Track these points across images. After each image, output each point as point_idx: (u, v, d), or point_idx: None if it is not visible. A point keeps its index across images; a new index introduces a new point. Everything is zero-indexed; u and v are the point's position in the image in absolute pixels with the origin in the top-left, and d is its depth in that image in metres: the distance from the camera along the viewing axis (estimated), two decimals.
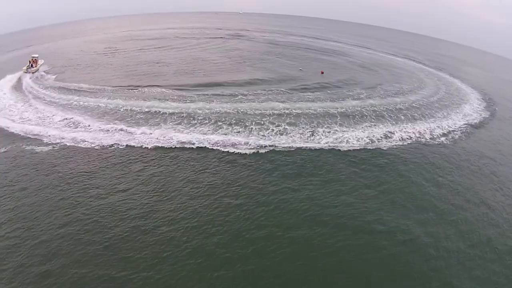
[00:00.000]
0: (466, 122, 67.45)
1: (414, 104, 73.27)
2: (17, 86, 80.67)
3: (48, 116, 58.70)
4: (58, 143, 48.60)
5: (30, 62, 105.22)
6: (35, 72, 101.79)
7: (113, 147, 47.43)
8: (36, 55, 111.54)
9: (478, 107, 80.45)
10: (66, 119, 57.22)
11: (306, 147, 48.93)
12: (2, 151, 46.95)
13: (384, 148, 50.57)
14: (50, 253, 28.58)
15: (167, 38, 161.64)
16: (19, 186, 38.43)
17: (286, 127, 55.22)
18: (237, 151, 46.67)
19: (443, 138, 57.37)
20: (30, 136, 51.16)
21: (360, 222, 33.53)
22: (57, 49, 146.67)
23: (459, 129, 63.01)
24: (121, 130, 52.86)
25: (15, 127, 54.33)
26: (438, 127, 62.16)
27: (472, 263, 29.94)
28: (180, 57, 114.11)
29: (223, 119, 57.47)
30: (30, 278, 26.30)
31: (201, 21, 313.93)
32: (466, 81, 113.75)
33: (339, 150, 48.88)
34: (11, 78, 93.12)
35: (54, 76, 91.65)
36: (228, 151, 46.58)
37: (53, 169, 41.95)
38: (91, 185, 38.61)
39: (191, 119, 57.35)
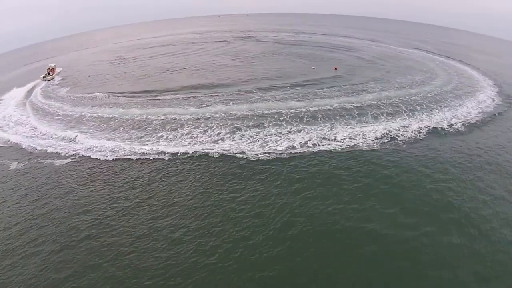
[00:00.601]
0: (482, 110, 65.68)
1: (428, 95, 71.93)
2: (30, 100, 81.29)
3: (62, 129, 59.39)
4: (74, 155, 49.30)
5: (47, 71, 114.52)
6: (52, 79, 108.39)
7: (130, 157, 47.36)
8: (53, 64, 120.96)
9: (492, 93, 78.33)
10: (81, 132, 57.59)
11: (326, 149, 47.62)
12: (20, 166, 47.50)
13: (402, 144, 49.18)
14: (71, 260, 29.33)
15: (174, 45, 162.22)
16: (38, 197, 39.55)
17: (305, 126, 54.44)
18: (255, 156, 45.51)
19: (460, 128, 55.98)
20: (45, 150, 52.01)
21: (381, 224, 32.35)
22: (69, 61, 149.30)
23: (475, 118, 61.11)
24: (138, 139, 52.73)
25: (28, 142, 55.41)
26: (454, 116, 60.77)
27: (497, 269, 28.10)
28: (191, 62, 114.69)
29: (241, 122, 56.95)
30: (50, 282, 27.13)
31: (207, 25, 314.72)
32: (478, 69, 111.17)
33: (358, 148, 47.80)
34: (27, 87, 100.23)
35: (67, 89, 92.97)
36: (246, 157, 45.51)
37: (72, 181, 42.63)
38: (110, 193, 39.02)
39: (209, 123, 57.10)
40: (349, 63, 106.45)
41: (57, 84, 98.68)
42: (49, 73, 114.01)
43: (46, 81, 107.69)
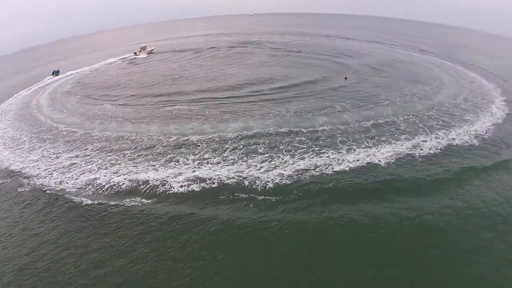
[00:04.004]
0: (494, 123, 63.08)
1: (442, 108, 68.75)
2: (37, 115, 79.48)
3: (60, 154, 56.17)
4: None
5: (140, 49, 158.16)
6: (140, 55, 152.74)
7: (137, 189, 43.36)
8: (144, 44, 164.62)
9: (502, 104, 75.10)
10: (84, 155, 54.48)
11: (341, 170, 44.96)
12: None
13: (420, 164, 46.58)
14: None
15: (182, 51, 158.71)
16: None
17: (321, 149, 50.65)
18: (270, 185, 41.87)
19: (479, 145, 52.95)
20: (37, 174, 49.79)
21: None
22: (75, 65, 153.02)
23: (489, 133, 58.34)
24: (146, 166, 48.53)
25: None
26: (466, 132, 57.51)
27: None
28: (199, 71, 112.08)
29: (254, 143, 53.60)
30: None
31: (210, 27, 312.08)
32: (484, 73, 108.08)
33: (375, 170, 44.95)
34: (126, 56, 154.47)
35: (76, 97, 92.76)
36: (261, 186, 41.90)
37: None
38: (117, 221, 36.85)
39: (223, 144, 53.91)
40: (358, 71, 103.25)
41: (67, 90, 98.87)
42: (140, 50, 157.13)
43: (138, 56, 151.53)
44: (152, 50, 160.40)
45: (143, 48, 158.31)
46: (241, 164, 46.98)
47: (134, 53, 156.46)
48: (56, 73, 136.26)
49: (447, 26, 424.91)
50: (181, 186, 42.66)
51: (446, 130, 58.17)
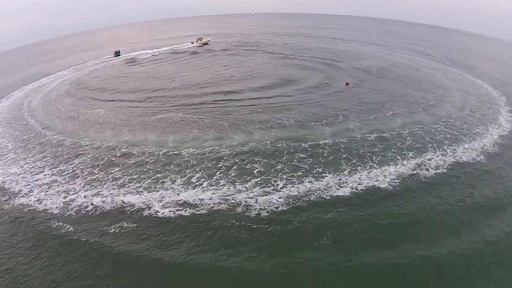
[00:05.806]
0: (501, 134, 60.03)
1: (449, 120, 64.56)
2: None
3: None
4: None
5: (197, 39, 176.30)
6: (197, 44, 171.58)
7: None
8: (201, 36, 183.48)
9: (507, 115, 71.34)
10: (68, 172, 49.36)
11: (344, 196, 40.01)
12: None
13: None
14: None
15: (182, 53, 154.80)
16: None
17: (321, 169, 45.43)
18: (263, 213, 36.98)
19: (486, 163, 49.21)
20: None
21: None
22: (70, 64, 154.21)
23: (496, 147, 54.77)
24: (131, 189, 43.08)
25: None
26: (472, 149, 53.26)
27: None
28: (196, 73, 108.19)
29: (250, 161, 48.14)
30: None
31: (210, 27, 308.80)
32: (489, 80, 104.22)
33: (379, 195, 40.12)
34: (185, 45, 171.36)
35: (70, 100, 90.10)
36: (255, 213, 37.01)
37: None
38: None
39: (217, 162, 48.29)
40: (359, 76, 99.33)
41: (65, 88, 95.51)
42: (197, 40, 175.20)
43: (195, 45, 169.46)
44: (208, 41, 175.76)
45: (200, 39, 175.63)
46: (233, 187, 41.99)
47: (191, 42, 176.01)
48: (117, 53, 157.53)
49: (450, 29, 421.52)
50: (170, 211, 37.90)
51: (455, 145, 53.95)
